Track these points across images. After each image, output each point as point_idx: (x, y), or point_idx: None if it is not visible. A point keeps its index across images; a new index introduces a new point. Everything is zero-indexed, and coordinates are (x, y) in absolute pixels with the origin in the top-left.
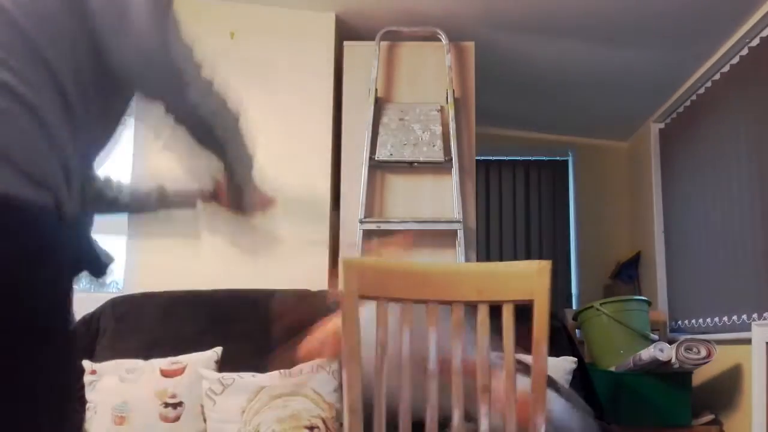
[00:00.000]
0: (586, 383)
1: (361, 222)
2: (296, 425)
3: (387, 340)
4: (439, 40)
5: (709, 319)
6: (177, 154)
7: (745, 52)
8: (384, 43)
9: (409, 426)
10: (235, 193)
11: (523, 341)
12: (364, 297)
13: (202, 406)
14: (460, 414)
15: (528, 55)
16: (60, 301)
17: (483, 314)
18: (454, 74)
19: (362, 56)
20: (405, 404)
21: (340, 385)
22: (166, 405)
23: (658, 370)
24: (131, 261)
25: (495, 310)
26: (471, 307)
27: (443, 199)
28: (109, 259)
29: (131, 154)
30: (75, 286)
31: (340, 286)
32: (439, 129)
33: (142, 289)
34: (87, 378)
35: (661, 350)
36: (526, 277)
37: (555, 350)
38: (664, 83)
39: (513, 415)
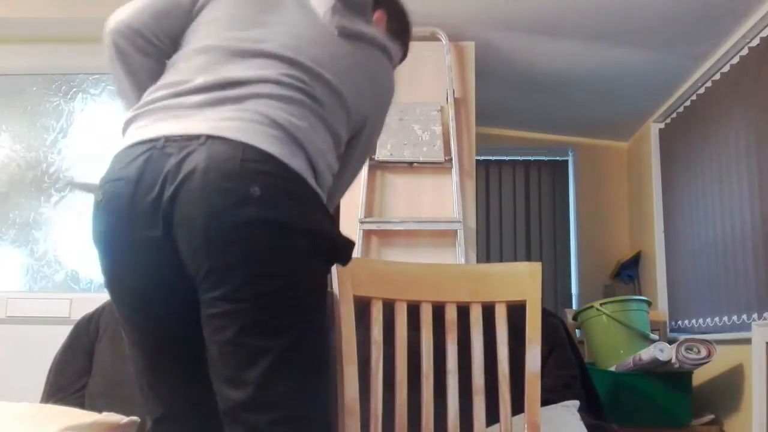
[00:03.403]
0: (586, 384)
1: (361, 222)
2: None
3: (381, 340)
4: (439, 40)
5: (709, 319)
6: None
7: (745, 52)
8: None
9: (405, 426)
10: None
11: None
12: (358, 297)
13: None
14: (455, 414)
15: (528, 55)
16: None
17: (476, 315)
18: (454, 74)
19: None
20: (401, 404)
21: None
22: None
23: (658, 370)
24: None
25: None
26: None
27: (443, 199)
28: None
29: None
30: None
31: (334, 286)
32: (439, 129)
33: None
34: None
35: (661, 350)
36: (519, 278)
37: (553, 348)
38: (664, 83)
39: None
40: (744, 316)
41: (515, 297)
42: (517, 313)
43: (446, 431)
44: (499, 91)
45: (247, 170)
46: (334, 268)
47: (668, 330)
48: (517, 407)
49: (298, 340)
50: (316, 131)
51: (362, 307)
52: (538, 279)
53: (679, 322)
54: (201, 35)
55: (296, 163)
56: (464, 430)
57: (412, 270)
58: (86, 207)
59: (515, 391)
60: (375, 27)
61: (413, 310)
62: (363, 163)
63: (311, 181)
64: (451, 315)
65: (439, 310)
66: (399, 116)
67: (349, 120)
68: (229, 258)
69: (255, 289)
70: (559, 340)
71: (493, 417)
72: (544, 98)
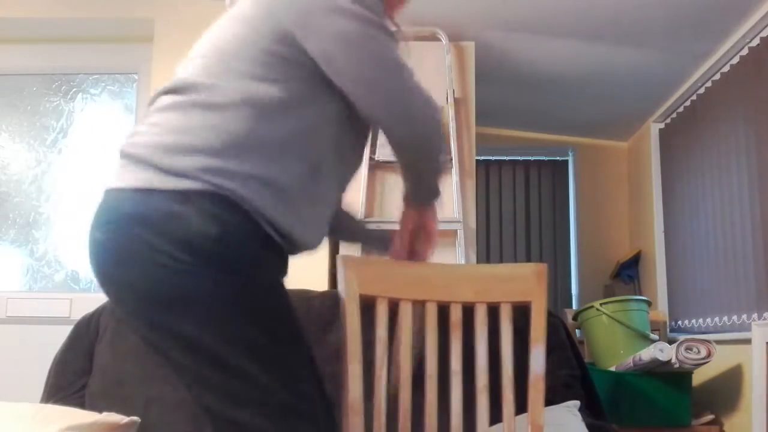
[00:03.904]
0: (587, 385)
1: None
2: None
3: (387, 339)
4: (439, 40)
5: (709, 319)
6: None
7: (745, 52)
8: None
9: (408, 426)
10: None
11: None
12: (363, 296)
13: None
14: (459, 413)
15: (528, 55)
16: None
17: (481, 315)
18: (454, 74)
19: None
20: (404, 404)
21: None
22: None
23: (658, 370)
24: None
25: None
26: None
27: (443, 199)
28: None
29: None
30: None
31: (339, 284)
32: None
33: None
34: None
35: (661, 350)
36: (524, 279)
37: (553, 348)
38: (664, 83)
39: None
40: (744, 316)
41: (521, 298)
42: (519, 313)
43: (449, 431)
44: (499, 91)
45: (97, 219)
46: (340, 266)
47: (668, 330)
48: (519, 408)
49: (215, 361)
50: (166, 123)
51: (367, 306)
52: (545, 280)
53: (679, 322)
54: None
55: (131, 178)
56: (467, 430)
57: (418, 269)
58: (86, 207)
59: (518, 391)
60: None
61: (417, 309)
62: (360, 69)
63: (162, 183)
64: (456, 315)
65: (443, 310)
66: None
67: (257, 53)
68: (121, 307)
69: (149, 326)
70: (559, 340)
71: (494, 417)
72: (544, 98)
